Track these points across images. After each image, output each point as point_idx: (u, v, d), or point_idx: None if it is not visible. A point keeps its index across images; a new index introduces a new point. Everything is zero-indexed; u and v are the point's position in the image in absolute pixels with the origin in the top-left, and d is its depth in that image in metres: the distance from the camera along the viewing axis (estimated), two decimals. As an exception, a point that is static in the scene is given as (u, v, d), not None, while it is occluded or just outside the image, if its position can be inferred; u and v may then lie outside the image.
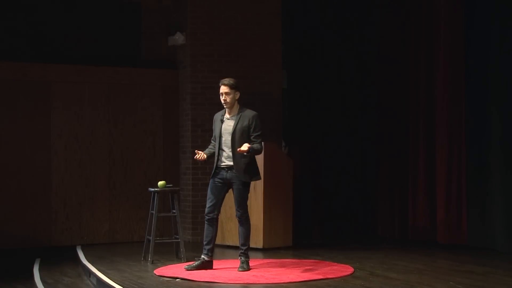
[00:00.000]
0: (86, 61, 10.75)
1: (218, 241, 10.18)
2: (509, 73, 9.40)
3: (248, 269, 8.08)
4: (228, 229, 10.12)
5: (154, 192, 9.04)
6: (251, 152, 7.94)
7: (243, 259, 8.12)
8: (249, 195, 8.13)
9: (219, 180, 8.08)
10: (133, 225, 10.94)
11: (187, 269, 7.98)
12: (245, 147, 7.82)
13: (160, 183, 9.10)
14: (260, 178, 8.31)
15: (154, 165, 11.00)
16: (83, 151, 10.72)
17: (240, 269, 8.05)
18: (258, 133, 8.04)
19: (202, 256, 8.11)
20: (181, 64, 11.12)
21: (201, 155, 8.08)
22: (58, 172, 10.58)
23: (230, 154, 8.00)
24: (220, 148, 8.06)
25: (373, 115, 11.49)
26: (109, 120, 10.88)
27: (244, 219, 8.09)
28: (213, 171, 8.12)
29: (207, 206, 8.14)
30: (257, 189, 9.81)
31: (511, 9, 9.32)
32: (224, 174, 8.04)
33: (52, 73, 10.55)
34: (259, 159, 9.77)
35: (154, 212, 8.96)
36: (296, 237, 10.20)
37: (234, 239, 10.05)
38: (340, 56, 11.69)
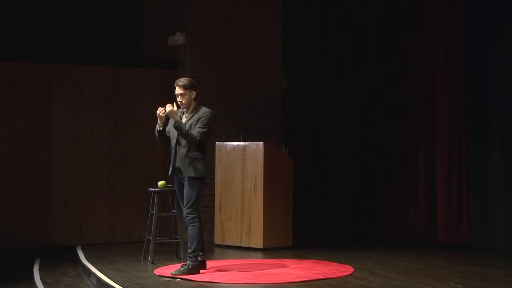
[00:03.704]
0: (86, 61, 10.75)
1: (217, 241, 10.23)
2: (510, 72, 9.40)
3: (187, 273, 7.67)
4: (228, 229, 10.11)
5: (154, 192, 9.04)
6: (179, 127, 7.68)
7: (187, 262, 7.77)
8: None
9: (177, 182, 7.92)
10: (133, 225, 10.93)
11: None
12: (173, 111, 7.66)
13: (160, 183, 9.10)
14: (207, 176, 7.89)
15: (154, 165, 10.99)
16: (83, 151, 10.71)
17: (173, 271, 7.73)
18: (201, 125, 7.74)
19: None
20: (181, 64, 11.11)
21: (163, 112, 7.81)
22: (58, 172, 10.57)
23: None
24: (175, 147, 7.86)
25: (373, 115, 11.48)
26: (109, 120, 10.87)
27: (189, 220, 7.75)
28: (170, 170, 7.93)
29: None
30: (257, 189, 9.81)
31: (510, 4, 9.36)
32: (179, 174, 7.85)
33: (52, 73, 10.54)
34: (259, 158, 9.79)
35: (154, 212, 8.96)
36: (296, 237, 10.19)
37: (234, 239, 10.05)
38: (340, 56, 11.67)
